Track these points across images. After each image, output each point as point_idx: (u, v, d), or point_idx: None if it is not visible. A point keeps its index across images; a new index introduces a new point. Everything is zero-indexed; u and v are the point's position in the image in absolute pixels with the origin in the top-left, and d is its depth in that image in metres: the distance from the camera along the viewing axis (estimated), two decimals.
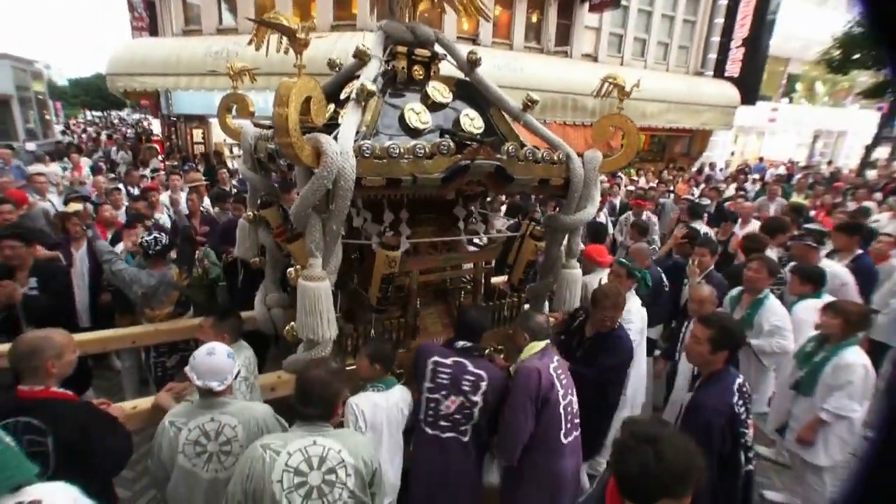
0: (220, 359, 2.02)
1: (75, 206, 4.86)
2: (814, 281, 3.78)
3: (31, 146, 13.73)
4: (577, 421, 2.58)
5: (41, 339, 1.97)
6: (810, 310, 3.48)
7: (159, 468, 2.07)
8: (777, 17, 15.84)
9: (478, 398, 2.44)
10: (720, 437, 2.23)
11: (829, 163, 20.81)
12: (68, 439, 1.86)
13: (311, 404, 1.82)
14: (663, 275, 4.27)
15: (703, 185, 11.16)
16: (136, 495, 3.32)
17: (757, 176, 14.35)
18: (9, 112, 17.13)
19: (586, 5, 13.44)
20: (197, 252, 4.17)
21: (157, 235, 3.56)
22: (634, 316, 3.46)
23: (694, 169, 16.16)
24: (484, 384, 2.44)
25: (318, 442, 1.79)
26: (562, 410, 2.46)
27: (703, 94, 15.66)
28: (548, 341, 2.60)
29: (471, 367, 2.46)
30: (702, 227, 6.05)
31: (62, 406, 1.96)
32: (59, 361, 1.98)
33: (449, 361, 2.49)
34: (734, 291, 3.89)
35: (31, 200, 5.42)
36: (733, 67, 16.37)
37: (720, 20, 16.47)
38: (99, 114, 40.86)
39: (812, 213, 7.47)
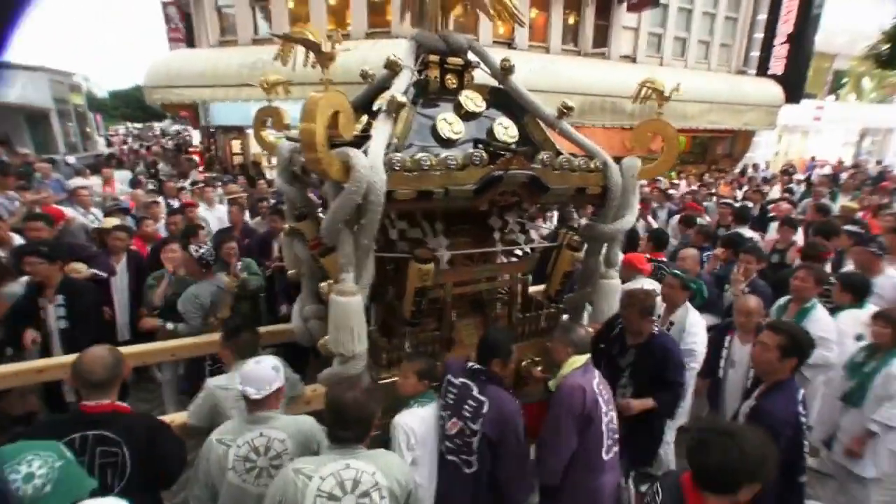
0: (262, 368, 2.06)
1: (113, 221, 4.94)
2: (855, 290, 3.57)
3: (70, 159, 13.96)
4: (616, 436, 2.50)
5: (103, 356, 2.02)
6: (851, 320, 3.39)
7: (205, 488, 2.06)
8: (822, 11, 15.09)
9: (477, 426, 2.28)
10: (785, 446, 2.14)
11: (879, 162, 19.57)
12: (139, 448, 1.94)
13: (348, 427, 1.79)
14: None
15: (745, 188, 10.68)
16: None
17: (802, 177, 13.62)
18: (48, 125, 17.40)
19: (624, 5, 13.14)
20: (238, 263, 4.27)
21: (208, 247, 3.67)
22: (697, 328, 3.34)
23: (737, 170, 15.50)
24: (484, 412, 2.28)
25: (352, 465, 1.75)
26: (604, 428, 2.40)
27: (746, 94, 15.05)
28: (589, 355, 2.51)
29: (475, 392, 2.32)
30: (747, 231, 5.77)
31: (128, 418, 2.04)
32: (126, 373, 2.10)
33: (457, 382, 2.39)
34: (782, 300, 3.75)
35: (72, 215, 5.48)
36: (777, 65, 15.69)
37: (763, 16, 15.85)
38: (139, 125, 42.55)
39: (859, 214, 6.94)
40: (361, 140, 2.22)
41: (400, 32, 10.98)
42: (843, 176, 12.64)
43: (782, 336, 2.31)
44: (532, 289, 3.45)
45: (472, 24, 11.43)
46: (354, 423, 1.80)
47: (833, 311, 3.59)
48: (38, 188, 6.76)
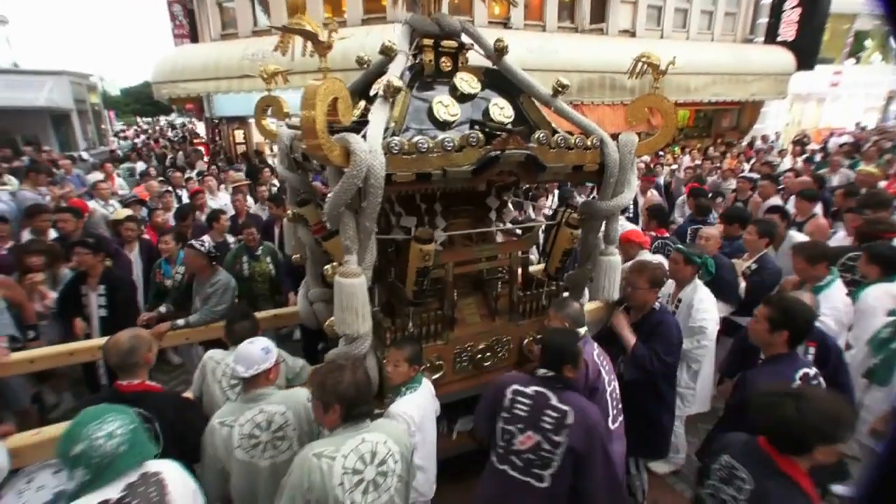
0: (253, 349, 2.16)
1: (125, 212, 5.27)
2: (883, 262, 3.29)
3: (85, 155, 14.64)
4: (620, 406, 2.56)
5: (135, 338, 2.19)
6: (881, 295, 3.15)
7: (215, 473, 2.14)
8: None
9: (561, 438, 2.08)
10: None
11: None
12: (172, 423, 2.09)
13: (361, 403, 1.88)
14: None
15: (753, 160, 10.54)
16: None
17: (818, 147, 13.30)
18: (69, 124, 18.23)
19: None
20: (260, 248, 4.43)
21: (209, 241, 3.77)
22: (706, 304, 3.22)
23: (744, 143, 15.26)
24: (569, 422, 2.08)
25: (366, 438, 1.85)
26: (608, 397, 2.47)
27: (753, 63, 14.68)
28: (585, 328, 2.57)
29: (554, 401, 2.12)
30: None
31: (159, 397, 2.20)
32: (150, 353, 2.23)
33: (530, 391, 2.17)
34: (792, 278, 3.55)
35: (93, 207, 5.86)
36: (788, 31, 15.21)
37: None
38: (149, 120, 42.95)
39: (882, 184, 6.52)
40: (360, 125, 2.27)
41: (395, 18, 10.85)
42: (867, 144, 12.18)
43: (771, 308, 2.32)
44: (532, 268, 3.52)
45: (467, 6, 11.30)
46: (365, 400, 1.90)
47: (860, 285, 3.36)
48: (62, 183, 7.08)
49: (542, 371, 2.21)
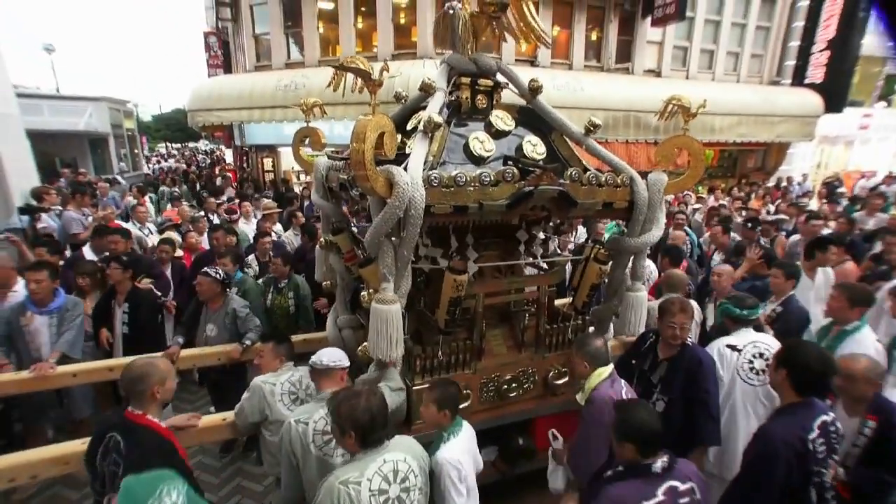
0: (336, 350, 2.55)
1: (168, 234, 5.59)
2: None
3: (119, 178, 15.33)
4: None
5: (148, 365, 2.15)
6: None
7: (290, 469, 2.31)
8: (870, 13, 14.14)
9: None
10: (785, 469, 2.05)
11: None
12: (129, 468, 1.90)
13: (380, 428, 1.92)
14: None
15: (779, 201, 10.42)
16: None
17: (844, 189, 13.11)
18: (106, 148, 19.25)
19: (648, 20, 13.18)
20: (285, 281, 4.49)
21: (218, 269, 3.90)
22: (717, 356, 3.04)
23: (770, 184, 15.13)
24: (699, 496, 1.88)
25: (387, 458, 1.91)
26: None
27: (779, 105, 14.69)
28: (612, 365, 2.55)
29: (681, 487, 1.84)
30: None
31: (149, 437, 2.05)
32: (162, 388, 2.15)
33: (660, 496, 1.81)
34: (825, 321, 3.45)
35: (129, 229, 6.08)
36: (816, 73, 15.14)
37: (800, 23, 15.38)
38: (178, 146, 44.81)
39: None
40: (398, 158, 2.38)
41: (425, 53, 11.32)
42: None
43: (781, 349, 2.29)
44: (558, 301, 3.54)
45: (496, 44, 11.69)
46: (383, 423, 1.94)
47: None
48: (102, 205, 7.43)
49: (659, 464, 1.85)
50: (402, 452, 1.97)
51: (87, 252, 4.96)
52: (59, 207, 6.12)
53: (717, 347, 3.06)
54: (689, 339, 2.94)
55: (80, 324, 3.66)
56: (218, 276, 3.76)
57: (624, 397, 2.44)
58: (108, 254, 4.57)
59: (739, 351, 2.98)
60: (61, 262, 4.58)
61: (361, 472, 1.84)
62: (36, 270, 3.56)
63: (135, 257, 4.70)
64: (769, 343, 2.99)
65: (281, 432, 2.32)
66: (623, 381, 2.57)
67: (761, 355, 2.93)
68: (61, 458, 2.40)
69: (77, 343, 3.59)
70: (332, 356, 2.48)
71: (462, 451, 2.21)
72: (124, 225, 6.17)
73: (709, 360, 2.87)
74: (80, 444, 2.41)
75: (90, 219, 6.32)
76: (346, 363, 2.53)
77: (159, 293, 4.32)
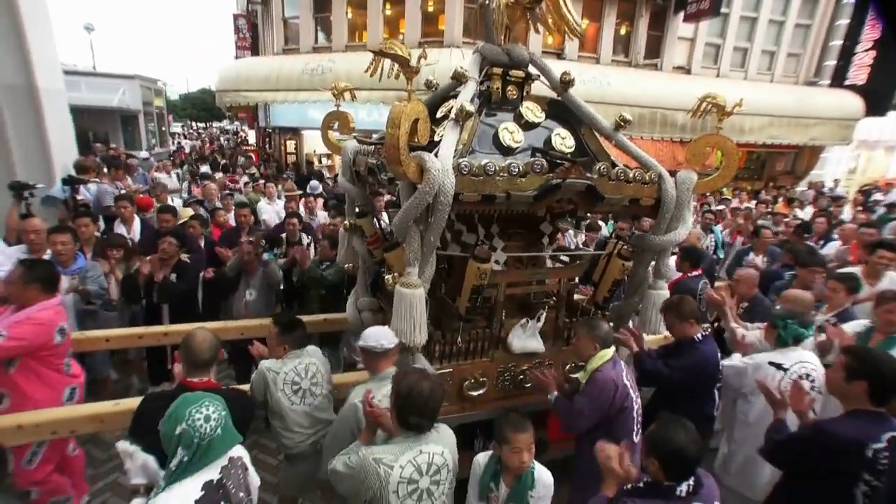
0: (384, 329, 2.46)
1: (188, 211, 5.88)
2: None
3: (143, 154, 15.78)
4: (641, 419, 2.64)
5: (212, 338, 2.23)
6: None
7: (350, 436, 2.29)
8: None
9: None
10: (842, 466, 2.09)
11: None
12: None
13: (425, 415, 1.91)
14: None
15: (809, 207, 10.11)
16: None
17: (882, 196, 12.63)
18: (136, 125, 19.96)
19: (680, 15, 12.89)
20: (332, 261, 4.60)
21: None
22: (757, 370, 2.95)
23: (799, 188, 14.72)
24: None
25: (423, 450, 1.92)
26: (634, 414, 2.57)
27: (815, 106, 14.24)
28: (613, 349, 2.64)
29: None
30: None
31: (224, 393, 2.17)
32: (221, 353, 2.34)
33: None
34: (861, 328, 3.31)
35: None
36: (858, 74, 14.59)
37: (843, 21, 14.82)
38: (203, 125, 45.59)
39: None
40: (428, 144, 2.41)
41: (451, 42, 11.27)
42: None
43: (850, 356, 2.21)
44: (577, 295, 3.55)
45: (523, 35, 11.53)
46: (431, 413, 1.92)
47: None
48: (135, 180, 7.79)
49: (682, 488, 1.81)
50: (441, 446, 1.96)
51: (117, 225, 5.15)
52: (98, 180, 6.31)
53: (759, 363, 2.96)
54: (698, 335, 2.99)
55: (101, 283, 3.86)
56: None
57: (625, 380, 2.54)
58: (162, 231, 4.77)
59: (785, 370, 2.86)
60: (97, 233, 4.74)
61: (396, 456, 1.87)
62: (61, 233, 3.78)
63: (184, 233, 4.86)
64: (815, 364, 2.90)
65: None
66: (622, 362, 2.67)
67: (808, 376, 2.82)
68: (97, 417, 2.55)
69: (97, 293, 3.82)
70: (388, 337, 2.39)
71: None
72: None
73: (702, 352, 2.95)
74: (112, 405, 2.55)
75: (122, 192, 6.49)
76: (397, 339, 2.42)
77: (195, 269, 4.46)
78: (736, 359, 3.18)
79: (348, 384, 2.92)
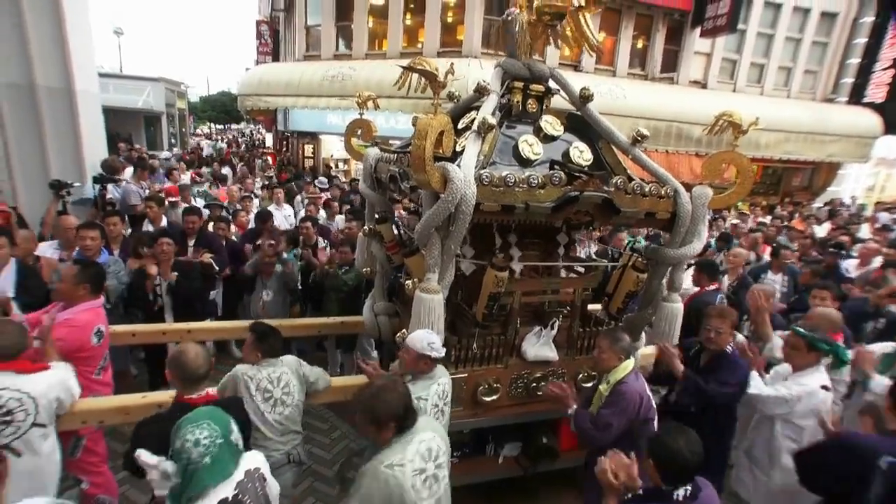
0: (431, 332, 2.42)
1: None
2: None
3: (164, 154, 16.04)
4: None
5: (204, 350, 2.17)
6: None
7: None
8: None
9: None
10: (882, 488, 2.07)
11: None
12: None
13: (406, 415, 1.96)
14: None
15: (826, 224, 10.01)
16: None
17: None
18: (158, 126, 20.60)
19: (697, 31, 12.92)
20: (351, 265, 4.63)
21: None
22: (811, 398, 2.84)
23: (815, 205, 14.57)
24: None
25: (418, 438, 1.98)
26: (655, 425, 2.58)
27: (832, 123, 14.17)
28: (633, 360, 2.66)
29: None
30: None
31: (223, 404, 2.12)
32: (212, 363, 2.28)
33: None
34: (890, 348, 3.35)
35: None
36: (877, 92, 14.55)
37: (861, 40, 14.80)
38: (220, 127, 46.37)
39: None
40: (451, 155, 2.49)
41: (470, 52, 11.41)
42: None
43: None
44: (591, 306, 3.59)
45: (540, 47, 11.64)
46: (406, 411, 1.96)
47: None
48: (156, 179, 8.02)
49: (679, 493, 1.84)
50: (431, 432, 2.04)
51: (145, 225, 5.29)
52: (125, 179, 6.50)
53: (812, 390, 2.84)
54: (728, 347, 2.94)
55: (121, 278, 3.92)
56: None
57: (648, 392, 2.58)
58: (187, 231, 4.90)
59: (828, 389, 2.88)
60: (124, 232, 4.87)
61: (403, 454, 1.91)
62: (90, 228, 3.87)
63: (209, 234, 5.00)
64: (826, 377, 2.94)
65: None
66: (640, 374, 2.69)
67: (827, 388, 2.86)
68: (123, 409, 2.63)
69: (116, 288, 3.88)
70: (439, 344, 2.39)
71: None
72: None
73: (743, 367, 2.89)
74: (140, 398, 2.64)
75: (147, 192, 6.67)
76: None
77: (217, 267, 4.57)
78: (762, 386, 2.94)
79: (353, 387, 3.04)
